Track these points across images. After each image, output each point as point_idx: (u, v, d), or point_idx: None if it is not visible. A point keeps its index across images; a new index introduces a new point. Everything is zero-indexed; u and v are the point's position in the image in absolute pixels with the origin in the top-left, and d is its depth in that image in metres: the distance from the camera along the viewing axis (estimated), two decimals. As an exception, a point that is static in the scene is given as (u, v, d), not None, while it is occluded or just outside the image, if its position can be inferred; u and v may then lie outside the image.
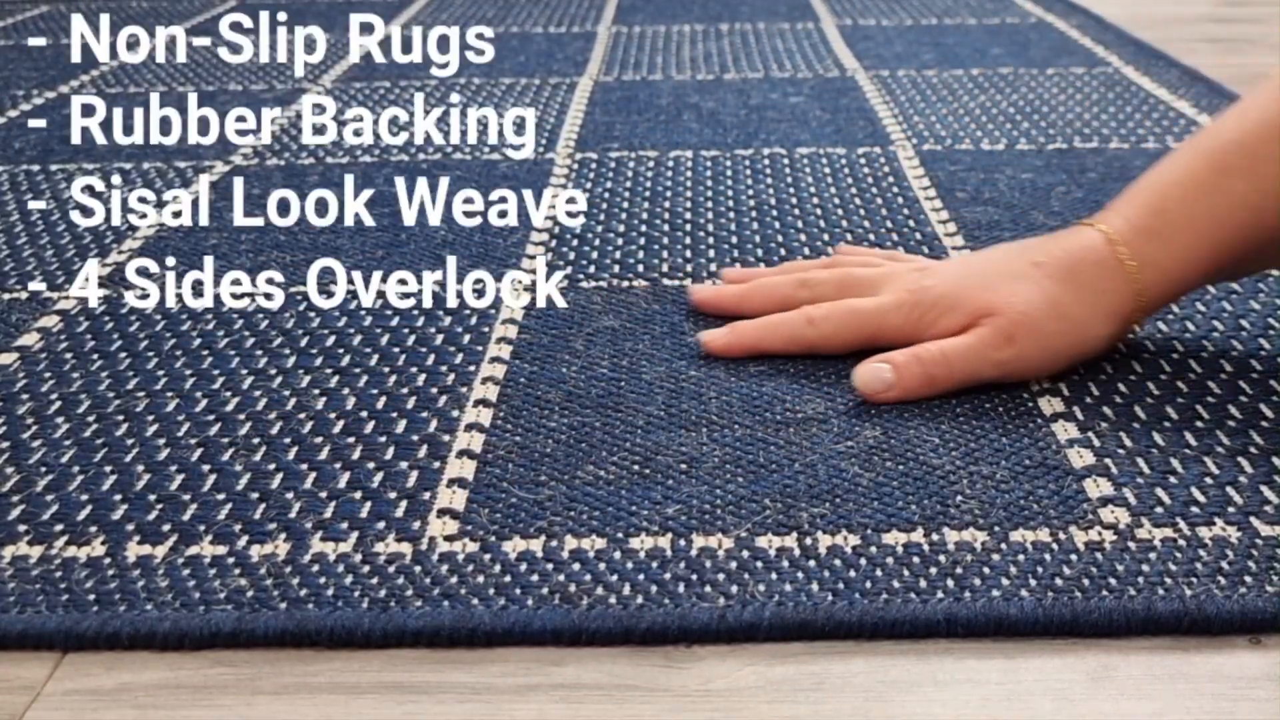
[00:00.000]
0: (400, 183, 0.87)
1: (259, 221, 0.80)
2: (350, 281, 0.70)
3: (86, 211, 0.82)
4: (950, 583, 0.43)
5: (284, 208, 0.82)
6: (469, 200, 0.83)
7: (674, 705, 0.39)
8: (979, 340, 0.55)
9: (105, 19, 1.46)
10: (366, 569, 0.45)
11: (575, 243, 0.76)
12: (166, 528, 0.48)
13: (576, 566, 0.45)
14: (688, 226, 0.78)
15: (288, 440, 0.54)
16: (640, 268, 0.72)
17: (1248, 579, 0.43)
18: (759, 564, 0.45)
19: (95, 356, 0.62)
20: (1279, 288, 0.66)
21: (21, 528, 0.48)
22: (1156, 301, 0.56)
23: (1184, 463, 0.50)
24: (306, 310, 0.67)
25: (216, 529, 0.48)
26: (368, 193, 0.85)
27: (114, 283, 0.71)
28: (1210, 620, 0.42)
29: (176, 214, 0.82)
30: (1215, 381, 0.57)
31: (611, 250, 0.74)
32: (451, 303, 0.67)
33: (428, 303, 0.67)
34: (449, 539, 0.47)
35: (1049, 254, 0.56)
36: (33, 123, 1.04)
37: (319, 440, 0.54)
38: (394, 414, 0.56)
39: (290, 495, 0.50)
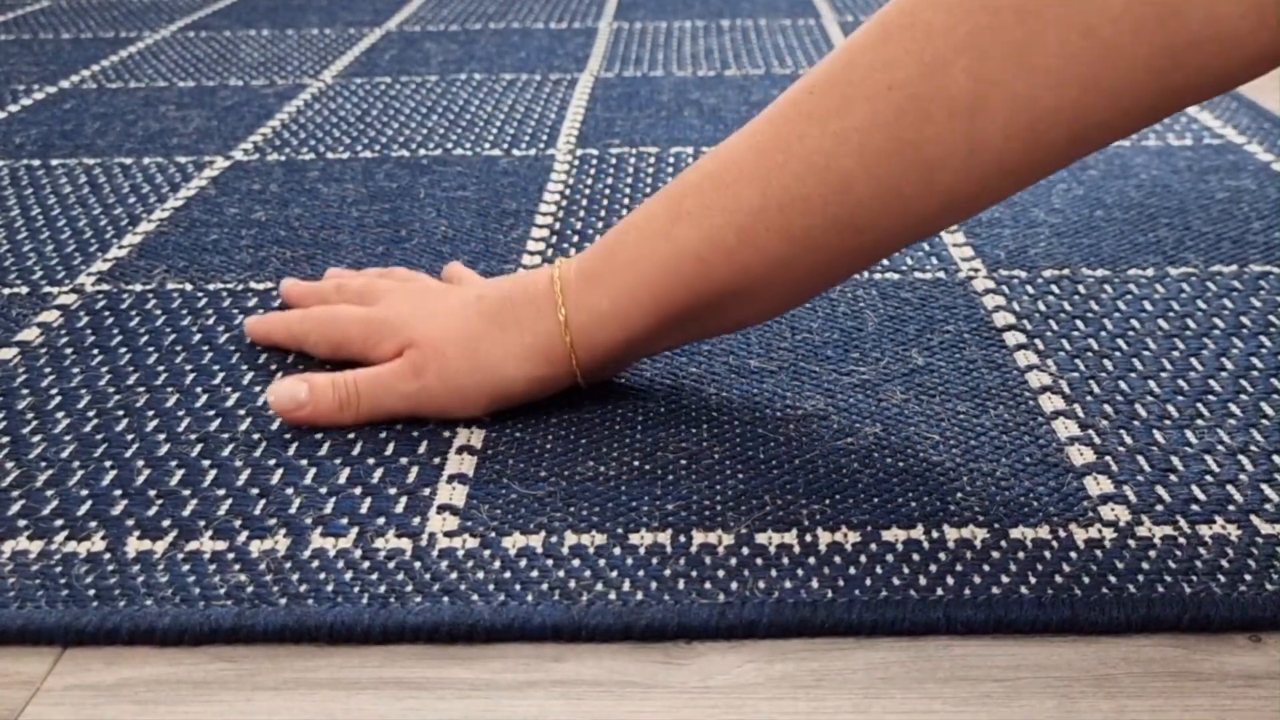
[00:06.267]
0: (401, 178, 0.87)
1: (260, 217, 0.80)
2: (351, 277, 0.70)
3: (87, 206, 0.82)
4: (950, 580, 0.43)
5: (284, 203, 0.82)
6: (469, 196, 0.83)
7: (674, 701, 0.39)
8: (389, 371, 0.54)
9: (106, 13, 1.46)
10: (366, 565, 0.45)
11: (576, 239, 0.76)
12: (166, 523, 0.48)
13: (576, 562, 0.45)
14: (688, 223, 0.78)
15: (287, 436, 0.54)
16: (641, 264, 0.72)
17: (1247, 577, 0.43)
18: (759, 560, 0.45)
19: (95, 352, 0.62)
20: (1279, 286, 0.67)
21: (21, 523, 0.48)
22: (595, 347, 0.53)
23: (1184, 461, 0.50)
24: (307, 306, 0.67)
25: (216, 524, 0.48)
26: (368, 188, 0.85)
27: (114, 278, 0.71)
28: (1210, 618, 0.42)
29: (178, 209, 0.82)
30: (1216, 380, 0.57)
31: (612, 246, 0.74)
32: (452, 299, 0.67)
33: (428, 299, 0.67)
34: (449, 535, 0.47)
35: (495, 289, 0.55)
36: (34, 117, 1.04)
37: (319, 436, 0.54)
38: (394, 410, 0.56)
39: (290, 491, 0.50)
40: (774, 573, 0.44)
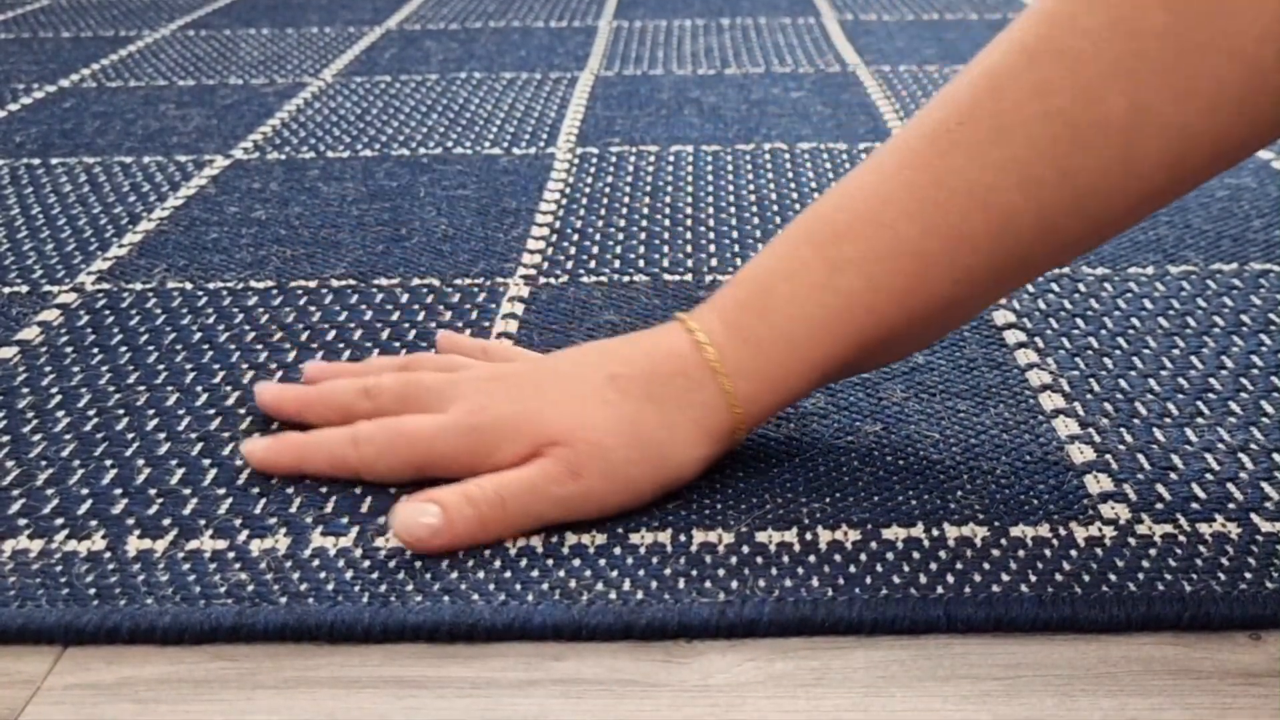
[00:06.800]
0: (401, 177, 0.87)
1: (260, 215, 0.80)
2: (351, 276, 0.70)
3: (87, 205, 0.82)
4: (950, 578, 0.43)
5: (284, 202, 0.82)
6: (469, 195, 0.83)
7: (674, 700, 0.39)
8: (539, 475, 0.46)
9: (106, 11, 1.46)
10: (367, 564, 0.45)
11: (576, 238, 0.76)
12: (167, 522, 0.48)
13: (577, 562, 0.45)
14: (689, 222, 0.78)
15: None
16: (641, 263, 0.72)
17: (1247, 575, 0.43)
18: (759, 559, 0.45)
19: (95, 350, 0.62)
20: (1279, 284, 0.67)
21: (22, 522, 0.48)
22: (759, 415, 0.49)
23: (1184, 459, 0.50)
24: (307, 304, 0.67)
25: (217, 523, 0.48)
26: (368, 187, 0.85)
27: (114, 277, 0.71)
28: (1210, 616, 0.42)
29: (178, 208, 0.82)
30: (1216, 378, 0.57)
31: (612, 245, 0.74)
32: (453, 298, 0.67)
33: (428, 297, 0.67)
34: (449, 534, 0.47)
35: (630, 365, 0.48)
36: (34, 116, 1.04)
37: (319, 435, 0.54)
38: (394, 409, 0.56)
39: (290, 490, 0.50)
40: (774, 571, 0.44)
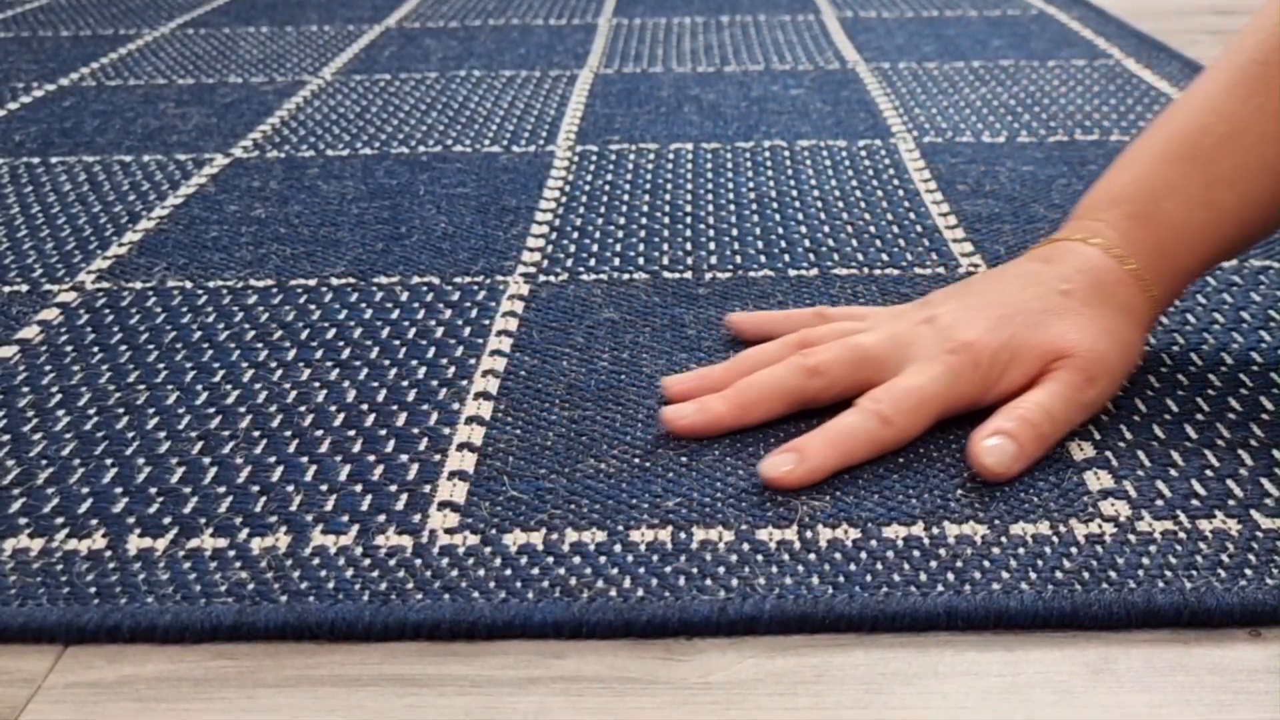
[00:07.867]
0: (401, 175, 0.87)
1: (260, 214, 0.80)
2: (351, 274, 0.70)
3: (87, 204, 0.82)
4: (950, 576, 0.44)
5: (284, 200, 0.82)
6: (469, 193, 0.83)
7: (674, 698, 0.39)
8: (1067, 387, 0.51)
9: (105, 10, 1.46)
10: (367, 562, 0.45)
11: (576, 235, 0.76)
12: (167, 520, 0.48)
13: (577, 560, 0.45)
14: (688, 219, 0.78)
15: (288, 433, 0.54)
16: (640, 260, 0.72)
17: (1248, 572, 0.43)
18: (759, 557, 0.45)
19: (96, 349, 0.62)
20: (1279, 281, 0.67)
21: (22, 521, 0.48)
22: (1163, 310, 0.57)
23: (1184, 455, 0.50)
24: (307, 303, 0.67)
25: (217, 522, 0.48)
26: (368, 185, 0.85)
27: (114, 276, 0.71)
28: (1210, 613, 0.42)
29: (178, 206, 0.82)
30: (1215, 375, 0.57)
31: (612, 243, 0.74)
32: (452, 296, 0.67)
33: (428, 295, 0.67)
34: (449, 532, 0.47)
35: (1069, 280, 0.54)
36: (33, 115, 1.04)
37: (319, 433, 0.54)
38: (394, 407, 0.56)
39: (291, 488, 0.50)
40: (774, 569, 0.44)
